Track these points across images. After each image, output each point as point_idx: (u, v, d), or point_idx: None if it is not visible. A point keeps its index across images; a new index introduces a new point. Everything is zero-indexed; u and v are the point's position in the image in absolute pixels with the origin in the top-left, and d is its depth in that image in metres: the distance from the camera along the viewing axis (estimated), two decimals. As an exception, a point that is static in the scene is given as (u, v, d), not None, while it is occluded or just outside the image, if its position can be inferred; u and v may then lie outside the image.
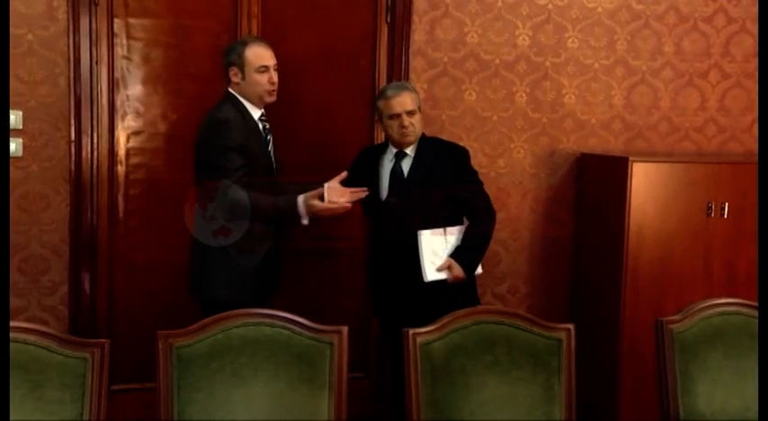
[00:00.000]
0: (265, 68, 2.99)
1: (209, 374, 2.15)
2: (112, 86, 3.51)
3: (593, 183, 3.88)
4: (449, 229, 3.16)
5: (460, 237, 3.16)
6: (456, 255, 3.14)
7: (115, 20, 3.47)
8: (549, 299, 4.02)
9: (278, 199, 2.93)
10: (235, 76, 3.00)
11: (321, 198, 2.91)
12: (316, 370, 2.22)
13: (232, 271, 2.91)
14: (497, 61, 3.85)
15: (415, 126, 3.15)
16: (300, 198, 2.90)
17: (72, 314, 3.50)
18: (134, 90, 3.55)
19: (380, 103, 3.17)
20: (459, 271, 3.12)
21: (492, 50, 3.84)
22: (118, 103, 3.53)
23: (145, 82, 3.56)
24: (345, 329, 2.27)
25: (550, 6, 3.88)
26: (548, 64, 3.91)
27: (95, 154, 3.50)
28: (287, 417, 2.18)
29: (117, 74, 3.51)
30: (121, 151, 3.56)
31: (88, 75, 3.44)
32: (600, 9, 3.93)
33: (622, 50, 3.98)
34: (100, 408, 2.04)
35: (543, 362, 2.35)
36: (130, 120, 3.56)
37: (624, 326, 3.58)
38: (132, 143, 3.57)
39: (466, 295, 3.15)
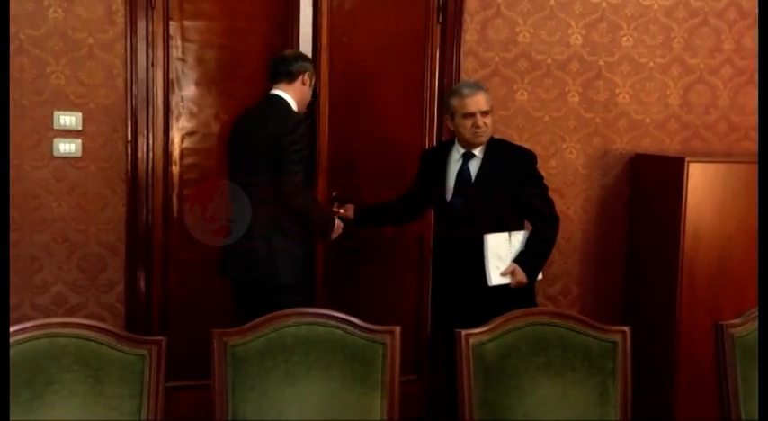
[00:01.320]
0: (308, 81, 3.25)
1: (262, 373, 2.17)
2: (167, 88, 3.57)
3: (648, 184, 3.82)
4: (513, 234, 3.14)
5: (524, 241, 3.14)
6: (520, 260, 3.12)
7: (171, 22, 3.53)
8: (602, 300, 3.96)
9: (326, 216, 3.29)
10: (304, 83, 3.21)
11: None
12: (368, 369, 2.23)
13: (297, 258, 3.15)
14: (549, 61, 3.81)
15: (488, 127, 3.13)
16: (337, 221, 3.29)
17: (128, 311, 3.57)
18: (188, 91, 3.61)
19: (454, 101, 3.14)
20: (522, 276, 3.10)
21: (544, 50, 3.80)
22: (173, 104, 3.59)
23: (199, 83, 3.61)
24: (398, 329, 2.27)
25: (604, 5, 3.82)
26: (601, 63, 3.86)
27: (151, 154, 3.56)
28: (339, 417, 2.19)
29: (172, 75, 3.57)
30: (176, 151, 3.62)
31: (144, 77, 3.50)
32: (656, 6, 3.86)
33: (679, 48, 3.91)
34: (157, 405, 2.07)
35: (598, 364, 2.32)
36: (185, 120, 3.61)
37: (680, 329, 3.52)
38: (186, 143, 3.63)
39: (525, 300, 3.10)
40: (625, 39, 3.87)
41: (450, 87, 3.49)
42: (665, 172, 3.65)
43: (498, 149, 3.20)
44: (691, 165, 3.50)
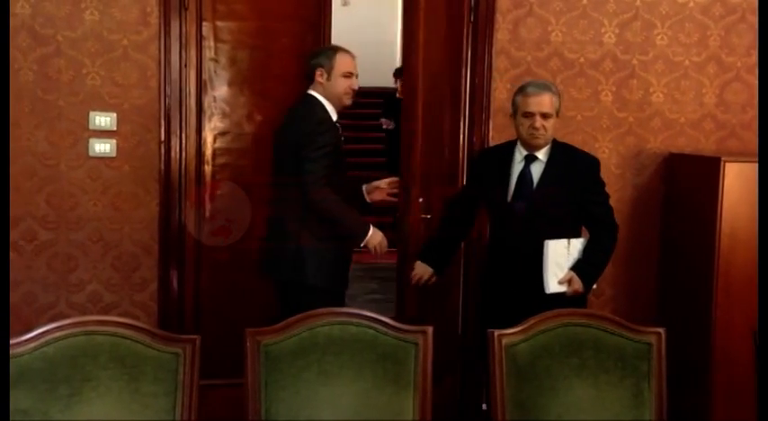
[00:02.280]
0: (350, 74, 3.20)
1: (295, 372, 2.18)
2: (200, 88, 3.60)
3: (683, 184, 3.77)
4: (572, 241, 3.06)
5: (581, 249, 3.06)
6: (578, 268, 3.04)
7: (204, 23, 3.56)
8: (635, 301, 3.92)
9: (355, 219, 3.21)
10: (320, 77, 3.17)
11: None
12: (400, 369, 2.23)
13: (328, 261, 3.17)
14: (582, 60, 3.78)
15: (546, 130, 3.04)
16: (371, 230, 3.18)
17: (161, 310, 3.61)
18: (221, 91, 3.63)
19: (518, 99, 3.09)
20: (579, 285, 3.03)
21: (577, 49, 3.77)
22: (205, 104, 3.62)
23: (231, 83, 3.64)
24: (430, 329, 2.27)
25: (638, 3, 3.78)
26: (635, 62, 3.82)
27: (183, 154, 3.59)
28: (372, 417, 2.19)
29: (205, 76, 3.60)
30: (208, 151, 3.65)
31: (177, 77, 3.54)
32: (692, 4, 3.81)
33: (715, 46, 3.85)
34: (191, 403, 2.09)
35: (632, 366, 2.30)
36: (217, 120, 3.64)
37: (716, 331, 3.46)
38: (219, 143, 3.65)
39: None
40: (659, 37, 3.82)
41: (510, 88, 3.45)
42: (701, 172, 3.60)
43: (562, 153, 3.12)
44: (727, 164, 3.44)
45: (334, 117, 3.21)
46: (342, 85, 3.18)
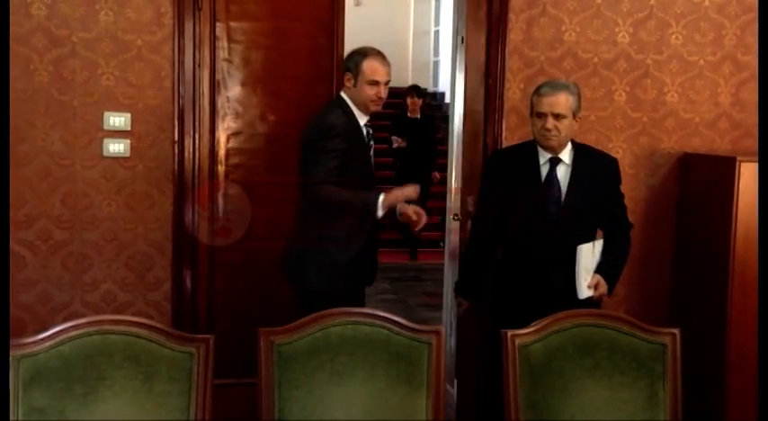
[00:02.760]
0: (376, 82, 3.13)
1: (308, 372, 2.19)
2: (214, 88, 3.61)
3: (697, 184, 3.75)
4: (596, 244, 3.01)
5: (600, 251, 3.01)
6: (602, 271, 2.99)
7: (217, 24, 3.57)
8: (649, 302, 3.90)
9: (360, 192, 3.10)
10: (348, 82, 3.17)
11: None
12: (413, 370, 2.23)
13: (326, 264, 3.10)
14: (596, 60, 3.76)
15: (559, 131, 2.96)
16: (381, 194, 3.06)
17: (174, 309, 3.62)
18: (234, 92, 3.64)
19: (533, 98, 3.02)
20: (605, 288, 2.99)
21: (590, 49, 3.76)
22: (219, 104, 3.63)
23: (244, 84, 3.65)
24: (443, 329, 2.28)
25: (653, 2, 3.77)
26: (649, 61, 3.80)
27: (197, 154, 3.60)
28: (385, 417, 2.19)
29: (218, 76, 3.61)
30: (222, 151, 3.66)
31: (191, 77, 3.55)
32: (707, 3, 3.79)
33: (731, 46, 3.83)
34: (205, 402, 2.10)
35: (646, 367, 2.29)
36: (230, 121, 3.65)
37: (731, 332, 3.45)
38: (232, 143, 3.66)
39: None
40: (674, 36, 3.80)
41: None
42: (716, 172, 3.58)
43: (585, 155, 3.06)
44: (743, 164, 3.42)
45: (362, 121, 3.17)
46: (367, 93, 3.13)
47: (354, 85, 3.14)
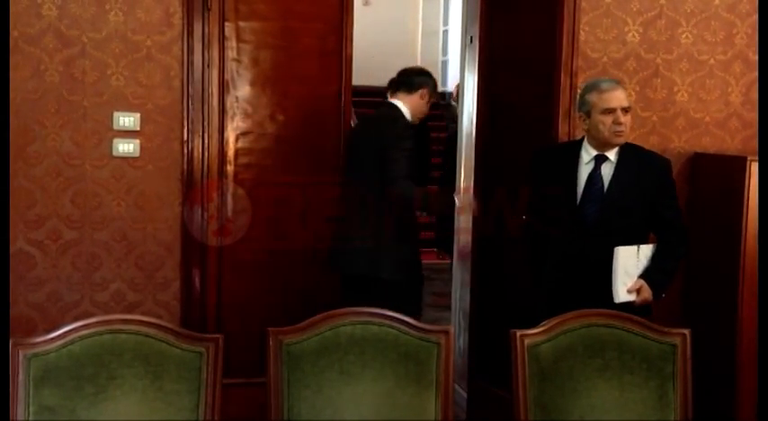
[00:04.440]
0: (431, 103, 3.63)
1: (317, 371, 2.19)
2: (222, 88, 3.61)
3: (708, 184, 3.73)
4: (642, 248, 2.94)
5: (651, 256, 2.94)
6: (647, 276, 2.92)
7: (226, 24, 3.58)
8: (659, 302, 3.86)
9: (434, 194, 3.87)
10: (422, 97, 3.55)
11: None
12: (422, 369, 2.23)
13: (402, 256, 3.44)
14: (605, 59, 3.75)
15: (627, 126, 2.93)
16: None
17: (184, 309, 3.63)
18: (243, 91, 3.65)
19: (593, 96, 2.92)
20: (648, 294, 2.91)
21: (599, 48, 3.74)
22: (228, 104, 3.63)
23: (253, 83, 3.65)
24: (452, 329, 2.28)
25: (663, 1, 3.75)
26: (659, 61, 3.78)
27: (206, 154, 3.61)
28: (394, 416, 2.19)
29: (227, 76, 3.61)
30: (231, 151, 3.66)
31: (200, 77, 3.55)
32: (717, 2, 3.77)
33: (742, 44, 3.81)
34: (214, 401, 2.10)
35: (657, 367, 2.28)
36: (239, 120, 3.66)
37: (742, 332, 3.43)
38: (241, 143, 3.67)
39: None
40: (684, 36, 3.78)
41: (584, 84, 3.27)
42: (726, 171, 3.57)
43: (633, 154, 2.98)
44: (753, 164, 3.40)
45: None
46: (423, 110, 3.59)
47: (423, 99, 3.54)
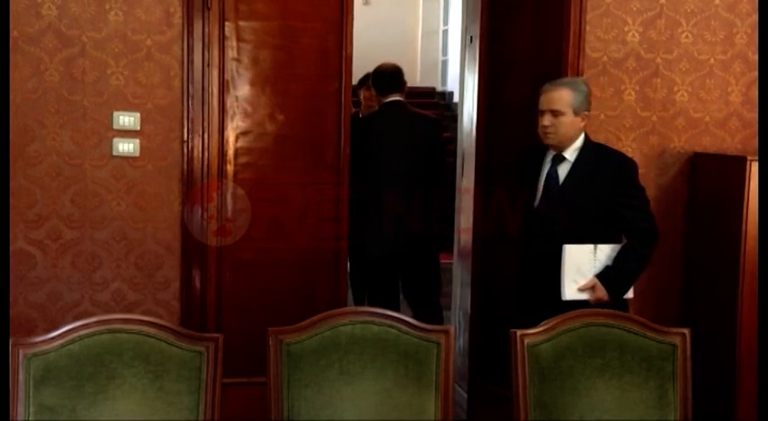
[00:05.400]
0: None
1: (317, 371, 2.19)
2: (222, 88, 3.61)
3: (708, 184, 3.73)
4: (600, 247, 2.94)
5: (612, 256, 2.94)
6: (603, 275, 2.93)
7: (226, 23, 3.57)
8: (658, 302, 3.88)
9: None
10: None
11: None
12: (422, 369, 2.23)
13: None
14: (605, 58, 3.75)
15: (556, 128, 2.93)
16: None
17: (183, 308, 3.63)
18: (243, 91, 3.64)
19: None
20: (602, 293, 2.90)
21: (600, 48, 3.74)
22: (227, 103, 3.63)
23: (253, 83, 3.65)
24: (452, 329, 2.29)
25: (663, 1, 3.75)
26: (659, 60, 3.78)
27: (206, 153, 3.60)
28: (394, 416, 2.19)
29: (227, 76, 3.61)
30: (230, 151, 3.66)
31: (200, 77, 3.55)
32: (717, 1, 3.77)
33: (742, 44, 3.81)
34: (215, 401, 2.10)
35: (656, 367, 2.29)
36: (239, 120, 3.65)
37: (742, 332, 3.43)
38: (241, 143, 3.67)
39: None
40: (684, 35, 3.78)
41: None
42: (726, 171, 3.57)
43: (592, 154, 3.00)
44: (753, 164, 3.40)
45: None
46: None
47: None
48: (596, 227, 2.97)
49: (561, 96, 2.95)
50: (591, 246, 2.94)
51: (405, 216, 4.00)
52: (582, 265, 2.93)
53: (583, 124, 3.04)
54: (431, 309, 4.30)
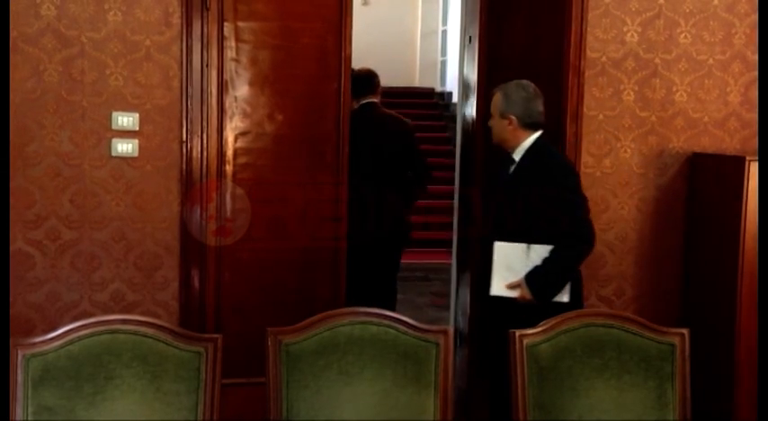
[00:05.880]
0: None
1: (316, 371, 2.19)
2: (221, 88, 3.61)
3: (706, 184, 3.74)
4: (534, 247, 3.00)
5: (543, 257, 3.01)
6: (528, 275, 3.00)
7: (225, 24, 3.57)
8: (658, 302, 3.89)
9: None
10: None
11: None
12: (421, 369, 2.23)
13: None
14: (604, 59, 3.75)
15: (491, 130, 3.15)
16: None
17: (182, 309, 3.62)
18: (242, 91, 3.64)
19: None
20: (525, 293, 2.99)
21: (599, 48, 3.74)
22: (226, 104, 3.63)
23: (252, 83, 3.65)
24: (450, 329, 2.29)
25: (662, 1, 3.75)
26: (657, 61, 3.78)
27: (205, 154, 3.60)
28: (393, 416, 2.19)
29: (226, 76, 3.61)
30: (229, 151, 3.66)
31: (199, 77, 3.55)
32: (716, 2, 3.78)
33: (740, 44, 3.81)
34: (213, 401, 2.10)
35: (655, 367, 2.29)
36: (238, 120, 3.65)
37: (740, 332, 3.44)
38: (240, 143, 3.66)
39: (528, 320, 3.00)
40: (683, 36, 3.79)
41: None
42: (725, 171, 3.57)
43: (532, 156, 3.10)
44: (751, 163, 3.41)
45: None
46: None
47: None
48: (525, 226, 3.05)
49: (494, 100, 3.12)
50: (524, 246, 3.01)
51: (374, 211, 4.05)
52: (513, 263, 3.01)
53: (510, 127, 3.11)
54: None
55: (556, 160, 3.18)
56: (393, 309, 4.40)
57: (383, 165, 4.22)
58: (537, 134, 3.13)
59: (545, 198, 3.00)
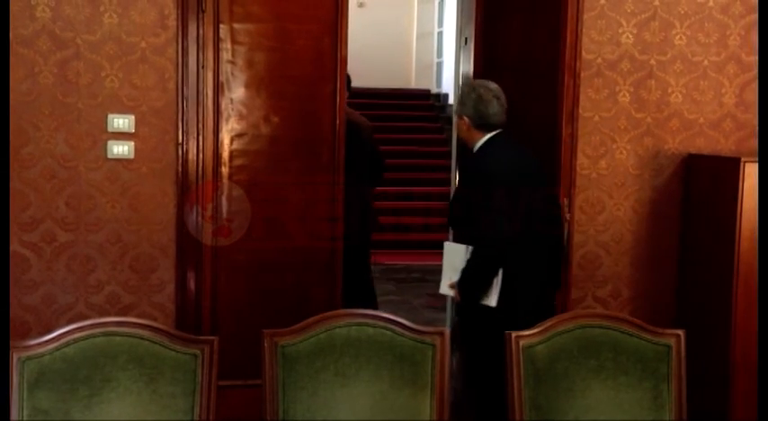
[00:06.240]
0: None
1: (312, 373, 2.19)
2: (217, 90, 3.61)
3: (702, 185, 3.74)
4: (471, 248, 3.04)
5: None
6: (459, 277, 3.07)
7: (221, 25, 3.57)
8: (654, 303, 3.89)
9: None
10: None
11: None
12: (417, 371, 2.23)
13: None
14: (599, 60, 3.76)
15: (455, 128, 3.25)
16: None
17: (178, 311, 3.62)
18: (237, 93, 3.64)
19: None
20: (455, 292, 3.08)
21: (594, 49, 3.75)
22: (222, 105, 3.63)
23: (248, 85, 3.65)
24: (447, 331, 2.28)
25: (657, 2, 3.76)
26: (653, 62, 3.79)
27: (201, 156, 3.60)
28: (389, 418, 2.19)
29: (222, 78, 3.61)
30: (225, 153, 3.66)
31: (195, 79, 3.55)
32: (711, 3, 3.79)
33: (735, 46, 3.82)
34: (210, 403, 2.10)
35: (651, 368, 2.29)
36: (234, 122, 3.65)
37: (736, 333, 3.44)
38: (236, 145, 3.66)
39: (471, 324, 3.16)
40: (678, 37, 3.80)
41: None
42: (720, 173, 3.58)
43: (474, 156, 3.16)
44: (747, 165, 3.41)
45: None
46: None
47: None
48: (464, 227, 3.11)
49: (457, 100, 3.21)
50: (464, 246, 3.04)
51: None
52: (457, 264, 3.04)
53: (465, 127, 3.17)
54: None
55: (482, 161, 3.14)
56: (371, 292, 4.79)
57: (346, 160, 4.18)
58: (491, 134, 3.15)
59: (460, 199, 3.14)
